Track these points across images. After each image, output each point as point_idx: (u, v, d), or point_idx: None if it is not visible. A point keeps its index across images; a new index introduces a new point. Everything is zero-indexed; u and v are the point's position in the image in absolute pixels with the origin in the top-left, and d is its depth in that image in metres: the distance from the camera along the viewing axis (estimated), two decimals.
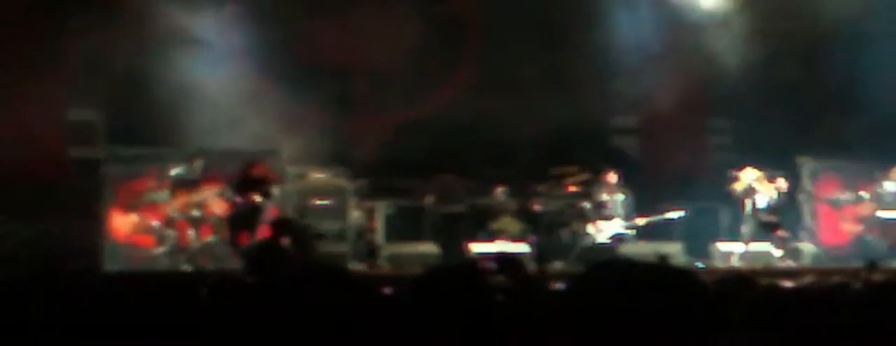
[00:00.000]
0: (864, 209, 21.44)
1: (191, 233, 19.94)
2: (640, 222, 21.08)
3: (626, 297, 4.17)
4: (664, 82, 22.66)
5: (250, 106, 21.45)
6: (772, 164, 21.63)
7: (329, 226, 20.38)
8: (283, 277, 5.04)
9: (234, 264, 18.12)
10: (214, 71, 21.13)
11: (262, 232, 18.30)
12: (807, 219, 21.85)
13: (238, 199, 19.40)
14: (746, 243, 20.71)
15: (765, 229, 20.72)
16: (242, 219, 19.30)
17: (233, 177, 19.79)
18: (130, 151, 20.92)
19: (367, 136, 22.66)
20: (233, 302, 5.37)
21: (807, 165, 21.95)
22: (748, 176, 20.82)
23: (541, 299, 6.57)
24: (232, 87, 21.33)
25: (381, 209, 20.95)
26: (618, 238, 20.82)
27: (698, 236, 21.02)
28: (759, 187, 20.71)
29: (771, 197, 20.73)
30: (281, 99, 21.66)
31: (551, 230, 21.02)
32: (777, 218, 20.75)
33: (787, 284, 12.38)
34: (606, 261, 4.58)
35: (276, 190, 19.74)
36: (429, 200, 21.14)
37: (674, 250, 19.87)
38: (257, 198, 19.32)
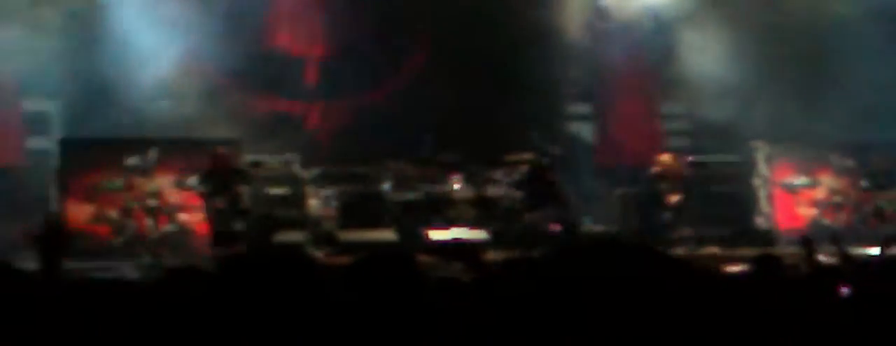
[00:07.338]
0: (820, 193, 21.54)
1: (149, 222, 19.83)
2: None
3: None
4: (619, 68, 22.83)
5: (205, 94, 21.40)
6: (726, 149, 21.79)
7: (286, 214, 20.29)
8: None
9: (194, 254, 18.08)
10: (170, 57, 21.05)
11: None
12: (763, 203, 21.91)
13: (205, 190, 18.88)
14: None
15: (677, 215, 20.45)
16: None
17: (191, 167, 19.48)
18: (85, 141, 20.79)
19: (322, 123, 22.63)
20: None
21: (762, 149, 22.00)
22: (663, 161, 20.52)
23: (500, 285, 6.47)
24: (186, 75, 21.29)
25: (338, 197, 20.87)
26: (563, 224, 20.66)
27: (651, 220, 20.97)
28: (671, 172, 20.39)
29: (681, 182, 20.40)
30: (235, 87, 21.63)
31: (508, 217, 20.96)
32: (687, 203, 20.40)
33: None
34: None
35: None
36: (385, 187, 21.09)
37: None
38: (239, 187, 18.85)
